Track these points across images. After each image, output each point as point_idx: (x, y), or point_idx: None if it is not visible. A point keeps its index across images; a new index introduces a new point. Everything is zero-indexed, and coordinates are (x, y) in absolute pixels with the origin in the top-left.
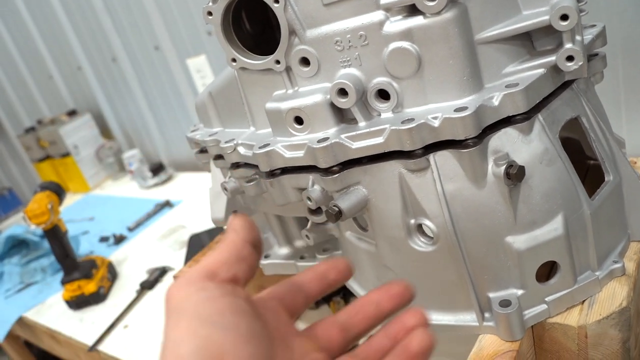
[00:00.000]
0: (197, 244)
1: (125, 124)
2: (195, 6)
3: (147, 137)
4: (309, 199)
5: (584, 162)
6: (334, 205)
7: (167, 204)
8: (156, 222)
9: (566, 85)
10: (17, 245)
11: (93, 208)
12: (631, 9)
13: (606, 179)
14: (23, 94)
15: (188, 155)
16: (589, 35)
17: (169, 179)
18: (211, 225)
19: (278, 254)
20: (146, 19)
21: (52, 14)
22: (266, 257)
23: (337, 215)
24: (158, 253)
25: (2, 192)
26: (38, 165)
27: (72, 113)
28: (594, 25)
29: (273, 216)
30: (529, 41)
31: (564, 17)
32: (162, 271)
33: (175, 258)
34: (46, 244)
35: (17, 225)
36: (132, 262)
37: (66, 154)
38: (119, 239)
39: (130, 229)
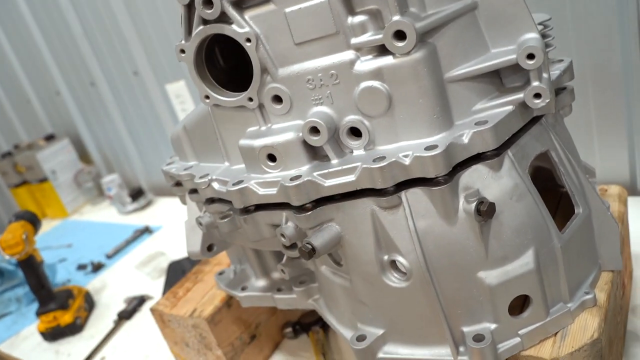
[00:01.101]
0: (176, 272)
1: (104, 149)
2: (173, 32)
3: (127, 162)
4: (282, 236)
5: (556, 190)
6: (307, 243)
7: (147, 230)
8: (135, 249)
9: (535, 120)
10: None
11: (71, 234)
12: (600, 40)
13: (576, 211)
14: (0, 118)
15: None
16: (556, 70)
17: (148, 204)
18: None
19: (255, 286)
20: (125, 44)
21: (30, 39)
22: (243, 289)
23: (311, 253)
24: (136, 281)
25: None
26: (15, 191)
27: (50, 137)
28: (561, 60)
29: (250, 249)
30: (497, 78)
31: (530, 57)
32: (141, 300)
33: (153, 286)
34: (22, 273)
35: None
36: (110, 290)
37: (44, 179)
38: (97, 267)
39: (109, 256)
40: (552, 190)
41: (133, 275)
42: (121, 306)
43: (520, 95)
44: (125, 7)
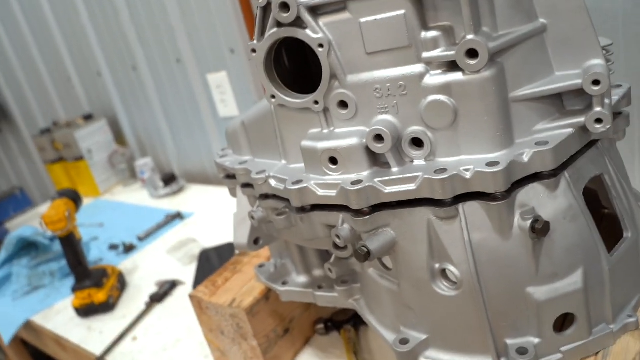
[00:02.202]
0: (207, 260)
1: (140, 132)
2: (220, 23)
3: (161, 147)
4: (337, 237)
5: (599, 211)
6: (363, 246)
7: (178, 216)
8: (166, 233)
9: (591, 143)
10: (27, 247)
11: (103, 214)
12: None
13: (625, 235)
14: (40, 95)
15: (200, 168)
16: (615, 96)
17: (180, 190)
18: (221, 242)
19: (296, 281)
20: (170, 31)
21: (76, 18)
22: (284, 284)
23: (366, 256)
24: (168, 265)
25: (14, 192)
26: (50, 167)
27: (88, 117)
28: (620, 86)
29: (293, 244)
30: (559, 100)
31: (596, 83)
32: (172, 284)
33: (185, 272)
34: (56, 248)
35: (27, 226)
36: (141, 272)
37: (79, 158)
38: (129, 248)
39: (140, 239)
40: (595, 211)
41: (164, 260)
42: (153, 289)
43: (581, 119)
44: None
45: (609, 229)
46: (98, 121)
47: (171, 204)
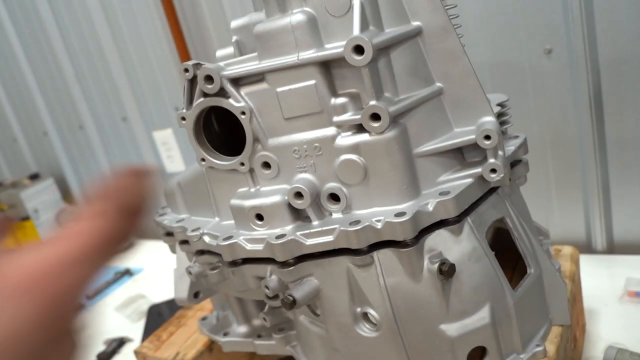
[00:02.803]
0: (156, 315)
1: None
2: (163, 81)
3: None
4: (266, 287)
5: (516, 248)
6: (289, 295)
7: (127, 272)
8: (115, 290)
9: (492, 190)
10: None
11: None
12: (557, 110)
13: (528, 271)
14: None
15: (150, 223)
16: (512, 146)
17: (129, 246)
18: (171, 296)
19: (237, 332)
20: (115, 90)
21: (21, 79)
22: (225, 334)
23: (292, 304)
24: (116, 323)
25: None
26: None
27: (34, 177)
28: (517, 136)
29: (233, 297)
30: (460, 154)
31: (487, 137)
32: (120, 342)
33: (133, 329)
34: None
35: None
36: (89, 331)
37: (26, 218)
38: None
39: (88, 297)
40: (511, 250)
41: (113, 317)
42: (100, 347)
43: (478, 170)
44: (118, 55)
45: (525, 264)
46: (45, 180)
47: (121, 261)
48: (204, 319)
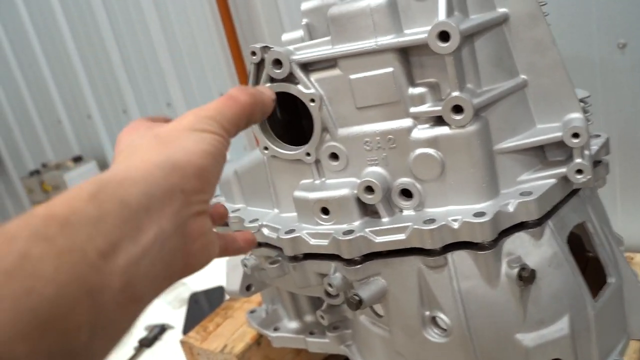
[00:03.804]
0: (197, 304)
1: None
2: (209, 67)
3: None
4: (330, 285)
5: (583, 254)
6: (354, 295)
7: None
8: None
9: (573, 192)
10: None
11: None
12: (627, 109)
13: (608, 281)
14: (29, 137)
15: None
16: (594, 145)
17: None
18: (211, 285)
19: (287, 327)
20: (160, 75)
21: (67, 61)
22: (275, 329)
23: (358, 304)
24: (157, 309)
25: None
26: None
27: (77, 159)
28: (598, 135)
29: (285, 291)
30: (541, 152)
31: (575, 135)
32: (162, 328)
33: (174, 316)
34: None
35: None
36: None
37: None
38: None
39: None
40: (579, 255)
41: (154, 303)
42: (142, 333)
43: (562, 170)
44: (164, 39)
45: (594, 272)
46: (87, 163)
47: None
48: (252, 312)
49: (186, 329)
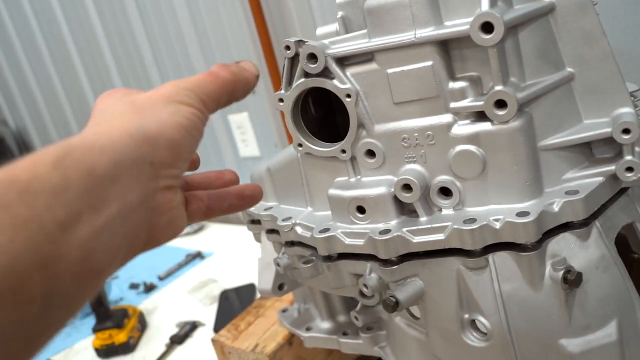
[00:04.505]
0: (228, 301)
1: None
2: None
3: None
4: (365, 286)
5: (628, 255)
6: (391, 296)
7: (199, 255)
8: (187, 273)
9: (622, 190)
10: None
11: None
12: None
13: None
14: (60, 126)
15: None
16: None
17: (200, 228)
18: (242, 282)
19: (320, 327)
20: (192, 73)
21: (100, 59)
22: (308, 329)
23: (395, 306)
24: (188, 306)
25: None
26: None
27: None
28: None
29: (318, 290)
30: (588, 149)
31: (626, 131)
32: (193, 326)
33: (205, 313)
34: None
35: None
36: (161, 313)
37: None
38: (149, 288)
39: (161, 278)
40: (624, 256)
41: (185, 300)
42: (173, 330)
43: (611, 167)
44: (196, 37)
45: (639, 274)
46: None
47: (191, 243)
48: (284, 311)
49: (217, 327)
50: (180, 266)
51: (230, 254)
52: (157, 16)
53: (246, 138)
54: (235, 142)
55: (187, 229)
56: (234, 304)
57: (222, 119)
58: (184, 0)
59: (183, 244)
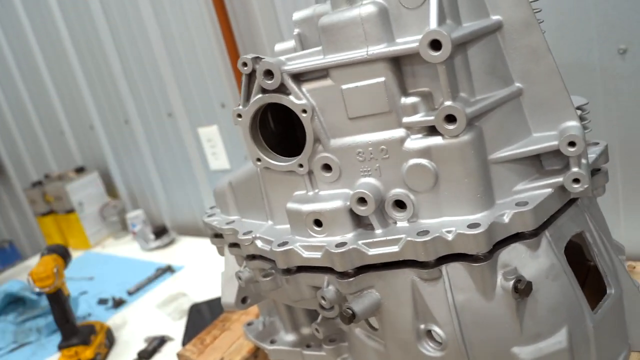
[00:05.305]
0: (197, 315)
1: (131, 185)
2: (210, 77)
3: (152, 199)
4: (323, 298)
5: (584, 263)
6: (348, 308)
7: (169, 269)
8: (157, 287)
9: (571, 201)
10: (14, 302)
11: (93, 267)
12: (629, 116)
13: (608, 292)
14: (33, 148)
15: (192, 220)
16: (592, 154)
17: (171, 242)
18: (212, 296)
19: (284, 340)
20: (162, 86)
21: (70, 74)
22: (272, 342)
23: (351, 318)
24: (157, 321)
25: (3, 245)
26: (41, 220)
27: (80, 170)
28: (597, 143)
29: (281, 303)
30: (538, 161)
31: (572, 144)
32: (161, 340)
33: (174, 328)
34: (43, 303)
35: (14, 280)
36: (130, 328)
37: (70, 210)
38: (118, 303)
39: (130, 293)
40: (579, 263)
41: (154, 315)
42: (141, 345)
43: (559, 179)
44: (165, 50)
45: (596, 281)
46: (90, 174)
47: (162, 257)
48: (249, 324)
49: (185, 341)
50: (150, 280)
51: (201, 267)
52: (126, 32)
53: (216, 151)
54: (206, 155)
55: (158, 242)
56: (204, 317)
57: (192, 132)
58: (153, 15)
59: (153, 257)
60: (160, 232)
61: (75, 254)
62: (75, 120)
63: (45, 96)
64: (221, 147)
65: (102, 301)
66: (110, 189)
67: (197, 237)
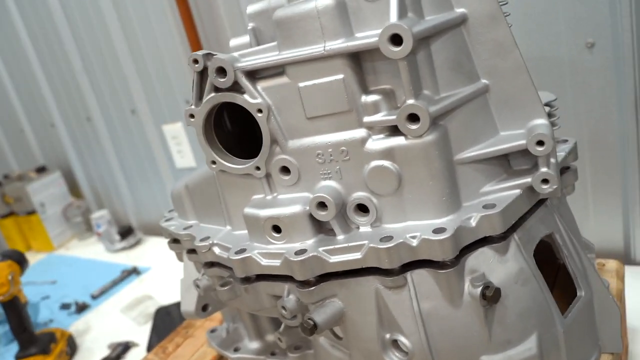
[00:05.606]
0: (163, 319)
1: (95, 184)
2: (174, 73)
3: (117, 199)
4: (283, 308)
5: (554, 262)
6: (309, 319)
7: (135, 271)
8: (122, 290)
9: (540, 201)
10: None
11: (56, 270)
12: (597, 109)
13: (578, 294)
14: None
15: (158, 219)
16: (561, 152)
17: (137, 242)
18: (179, 298)
19: (248, 348)
20: (124, 82)
21: (28, 69)
22: (236, 350)
23: (312, 329)
24: (121, 326)
25: None
26: (1, 222)
27: (41, 169)
28: (566, 140)
29: (245, 312)
30: (505, 160)
31: (540, 143)
32: (125, 347)
33: (139, 333)
34: (1, 312)
35: None
36: (93, 334)
37: (32, 212)
38: (82, 307)
39: (94, 297)
40: (549, 263)
41: (118, 319)
42: (105, 352)
43: (527, 180)
44: (127, 45)
45: (566, 279)
46: (52, 173)
47: (128, 258)
48: (212, 331)
49: (150, 346)
50: (115, 283)
51: (168, 268)
52: (86, 26)
53: (182, 149)
54: (171, 153)
55: (123, 244)
56: (172, 321)
57: (157, 130)
58: (113, 9)
59: (119, 259)
60: (125, 232)
61: (38, 257)
62: (35, 118)
63: (2, 93)
64: (187, 144)
65: (65, 306)
66: (74, 189)
67: (164, 237)
